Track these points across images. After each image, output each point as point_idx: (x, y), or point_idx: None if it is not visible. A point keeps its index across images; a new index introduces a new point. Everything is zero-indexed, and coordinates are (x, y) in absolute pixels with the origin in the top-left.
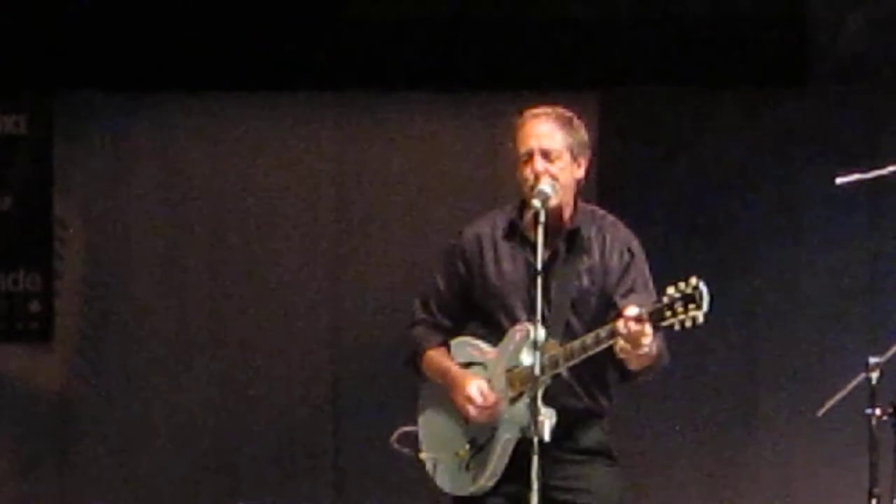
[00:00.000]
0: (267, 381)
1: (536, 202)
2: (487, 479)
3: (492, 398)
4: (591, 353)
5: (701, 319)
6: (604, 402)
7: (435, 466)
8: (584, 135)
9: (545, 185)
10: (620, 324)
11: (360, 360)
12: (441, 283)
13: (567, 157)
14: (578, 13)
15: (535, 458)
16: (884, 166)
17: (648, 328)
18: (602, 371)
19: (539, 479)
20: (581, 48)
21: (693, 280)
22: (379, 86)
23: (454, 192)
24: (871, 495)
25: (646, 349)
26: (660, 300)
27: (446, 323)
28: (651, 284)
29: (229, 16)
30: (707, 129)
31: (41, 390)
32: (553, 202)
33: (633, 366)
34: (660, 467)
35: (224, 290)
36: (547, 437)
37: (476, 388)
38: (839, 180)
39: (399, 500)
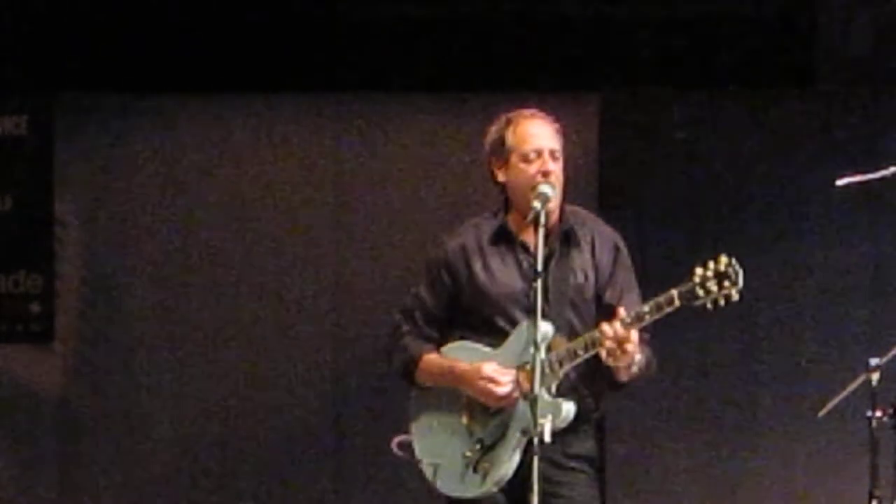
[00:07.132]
0: (267, 382)
1: (537, 204)
2: (500, 478)
3: (510, 374)
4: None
5: (736, 297)
6: (597, 406)
7: (435, 472)
8: None
9: (545, 187)
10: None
11: (360, 361)
12: (426, 295)
13: (562, 158)
14: (579, 13)
15: (536, 459)
16: (885, 168)
17: (634, 334)
18: (600, 374)
19: (539, 479)
20: (582, 48)
21: (724, 258)
22: (378, 86)
23: (453, 193)
24: (871, 497)
25: (629, 358)
26: (690, 280)
27: (433, 334)
28: (635, 281)
29: (229, 16)
30: (708, 130)
31: (42, 391)
32: (553, 203)
33: (623, 376)
34: (660, 468)
35: (224, 291)
36: (547, 437)
37: (491, 367)
38: (840, 182)
39: (399, 502)
